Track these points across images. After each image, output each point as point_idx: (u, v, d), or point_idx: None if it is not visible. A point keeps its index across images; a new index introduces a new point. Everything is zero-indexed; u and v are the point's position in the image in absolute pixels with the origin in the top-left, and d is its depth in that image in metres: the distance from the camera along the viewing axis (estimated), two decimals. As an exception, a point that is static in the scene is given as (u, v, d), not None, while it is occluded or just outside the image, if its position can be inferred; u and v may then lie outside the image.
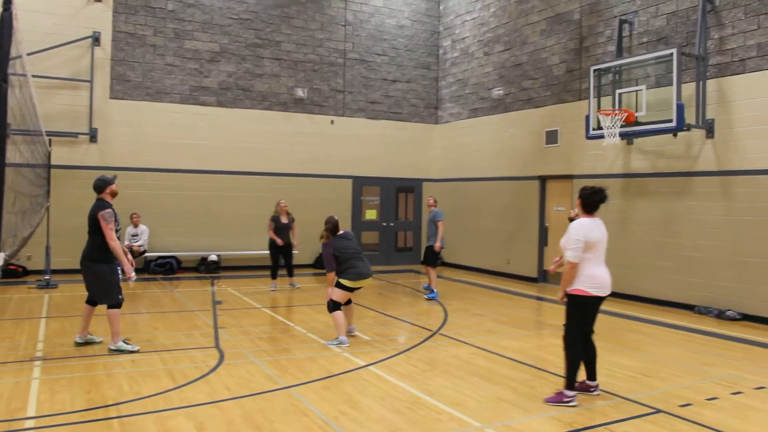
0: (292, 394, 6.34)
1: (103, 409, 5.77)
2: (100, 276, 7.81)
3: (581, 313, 6.17)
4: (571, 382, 6.12)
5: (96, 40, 15.42)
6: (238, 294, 12.90)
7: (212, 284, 14.27)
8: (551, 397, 6.20)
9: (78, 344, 8.08)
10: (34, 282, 13.47)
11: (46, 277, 13.15)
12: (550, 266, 9.42)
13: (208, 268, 16.22)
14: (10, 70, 6.49)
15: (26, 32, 14.48)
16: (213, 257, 16.40)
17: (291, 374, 7.06)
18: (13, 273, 14.16)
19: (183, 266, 16.18)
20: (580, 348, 6.18)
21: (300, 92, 17.53)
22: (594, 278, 6.10)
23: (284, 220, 13.75)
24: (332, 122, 18.11)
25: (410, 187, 19.46)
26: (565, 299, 6.24)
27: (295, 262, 14.28)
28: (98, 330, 8.70)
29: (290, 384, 6.67)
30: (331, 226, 8.78)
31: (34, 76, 14.54)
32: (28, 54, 14.48)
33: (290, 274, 13.95)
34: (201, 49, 16.61)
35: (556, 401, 6.12)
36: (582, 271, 6.11)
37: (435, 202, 13.42)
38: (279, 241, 13.53)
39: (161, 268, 15.68)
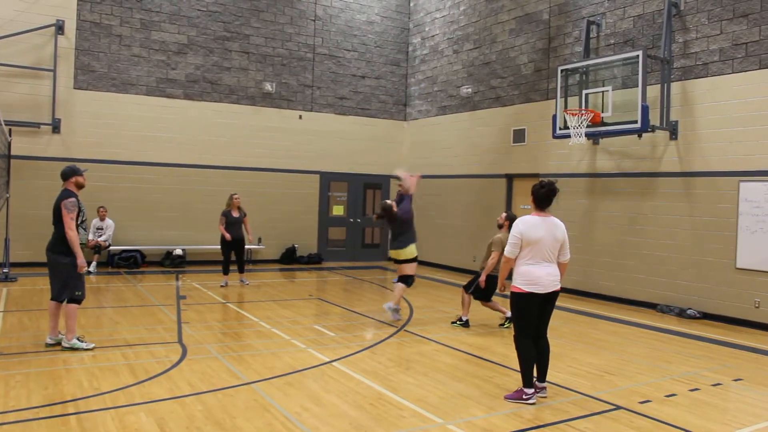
0: (255, 389, 6.29)
1: (61, 405, 5.66)
2: (62, 268, 7.61)
3: (519, 310, 6.20)
4: (526, 380, 6.16)
5: (60, 28, 15.11)
6: (202, 289, 12.78)
7: (177, 279, 14.11)
8: (511, 394, 6.25)
9: (49, 345, 7.76)
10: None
11: (5, 270, 12.87)
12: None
13: (173, 263, 16.02)
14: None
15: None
16: (178, 251, 16.21)
17: (254, 370, 7.00)
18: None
19: (147, 260, 15.98)
20: (528, 346, 6.19)
21: (268, 86, 17.40)
22: (526, 275, 6.12)
23: (235, 214, 13.45)
24: (300, 117, 18.02)
25: (378, 184, 19.44)
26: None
27: (261, 257, 14.18)
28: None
29: (253, 380, 6.62)
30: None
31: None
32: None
33: (240, 270, 13.66)
34: (168, 41, 16.39)
35: (515, 398, 6.16)
36: (517, 267, 6.17)
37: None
38: (227, 236, 13.21)
39: (125, 262, 15.45)
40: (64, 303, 7.69)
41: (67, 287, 7.63)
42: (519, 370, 6.24)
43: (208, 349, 7.92)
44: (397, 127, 19.57)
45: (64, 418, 5.37)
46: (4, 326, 8.83)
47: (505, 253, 6.23)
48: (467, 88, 16.86)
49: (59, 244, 7.54)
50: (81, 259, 7.56)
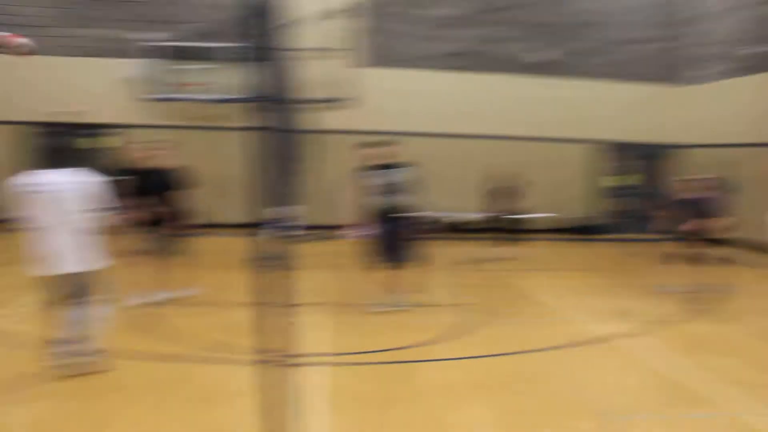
0: (541, 358, 6.81)
1: (370, 354, 6.70)
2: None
3: None
4: None
5: (354, 11, 16.63)
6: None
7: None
8: None
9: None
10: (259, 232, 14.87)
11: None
12: None
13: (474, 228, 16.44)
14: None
15: (299, 6, 16.07)
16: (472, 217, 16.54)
17: (544, 338, 7.51)
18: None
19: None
20: None
21: (545, 55, 17.53)
22: None
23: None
24: (576, 85, 17.85)
25: (656, 154, 18.61)
26: None
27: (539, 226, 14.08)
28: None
29: (541, 347, 7.14)
30: None
31: (302, 48, 16.11)
32: (300, 26, 16.09)
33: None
34: (453, 15, 17.21)
35: None
36: None
37: None
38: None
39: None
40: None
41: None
42: None
43: (504, 312, 8.60)
44: (673, 93, 18.47)
45: (389, 365, 6.39)
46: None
47: None
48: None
49: None
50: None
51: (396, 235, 8.29)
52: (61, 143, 5.85)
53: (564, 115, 17.85)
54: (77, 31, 16.13)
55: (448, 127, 17.28)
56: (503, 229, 13.29)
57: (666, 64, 18.40)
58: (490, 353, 6.84)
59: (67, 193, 5.43)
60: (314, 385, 5.58)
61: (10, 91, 15.79)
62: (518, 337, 7.52)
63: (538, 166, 17.30)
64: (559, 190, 17.64)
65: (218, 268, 10.55)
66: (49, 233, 5.38)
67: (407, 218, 8.40)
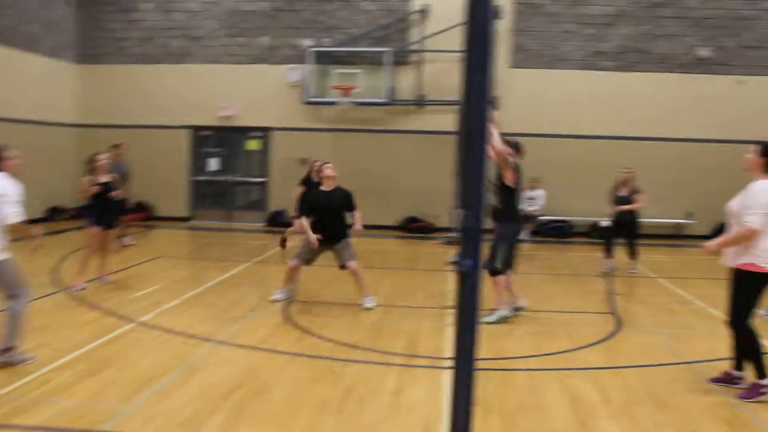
0: (693, 369, 6.08)
1: (509, 360, 6.26)
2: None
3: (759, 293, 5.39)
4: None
5: (498, 12, 16.21)
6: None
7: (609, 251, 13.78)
8: (747, 393, 5.37)
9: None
10: (442, 237, 14.88)
11: (452, 235, 14.46)
12: None
13: (600, 234, 16.02)
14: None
15: (442, 10, 15.95)
16: (605, 223, 16.13)
17: (692, 349, 6.75)
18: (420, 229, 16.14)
19: (575, 230, 16.34)
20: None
21: (704, 51, 16.14)
22: None
23: (623, 192, 11.79)
24: (741, 83, 16.26)
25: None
26: None
27: (691, 232, 13.14)
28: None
29: (691, 359, 6.39)
30: None
31: (444, 51, 15.97)
32: (440, 32, 15.99)
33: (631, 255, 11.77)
34: (597, 14, 16.35)
35: (755, 396, 5.32)
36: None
37: None
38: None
39: (554, 231, 16.10)
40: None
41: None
42: (753, 362, 5.32)
43: (642, 323, 7.88)
44: None
45: (512, 372, 5.93)
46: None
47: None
48: None
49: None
50: None
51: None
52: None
53: (729, 114, 16.28)
54: (240, 40, 17.15)
55: (594, 129, 16.38)
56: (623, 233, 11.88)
57: None
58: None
59: None
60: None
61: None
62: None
63: (700, 170, 16.01)
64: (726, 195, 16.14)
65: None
66: None
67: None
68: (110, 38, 17.48)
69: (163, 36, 17.28)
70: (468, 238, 2.54)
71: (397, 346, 6.64)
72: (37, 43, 16.10)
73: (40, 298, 7.66)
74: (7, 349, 5.61)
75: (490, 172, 7.92)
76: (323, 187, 8.39)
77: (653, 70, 16.36)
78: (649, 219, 15.76)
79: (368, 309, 8.07)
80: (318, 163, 9.04)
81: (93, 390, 5.17)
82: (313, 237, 8.06)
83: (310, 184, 10.58)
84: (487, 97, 2.54)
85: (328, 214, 8.19)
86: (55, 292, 8.44)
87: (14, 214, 5.50)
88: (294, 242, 11.31)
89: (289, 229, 11.95)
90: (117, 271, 9.83)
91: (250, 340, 6.71)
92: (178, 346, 6.42)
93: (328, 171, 8.38)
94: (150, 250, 12.43)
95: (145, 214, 16.81)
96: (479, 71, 2.35)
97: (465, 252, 2.57)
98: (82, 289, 8.57)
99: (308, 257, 8.30)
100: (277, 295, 8.39)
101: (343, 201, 8.27)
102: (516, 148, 7.97)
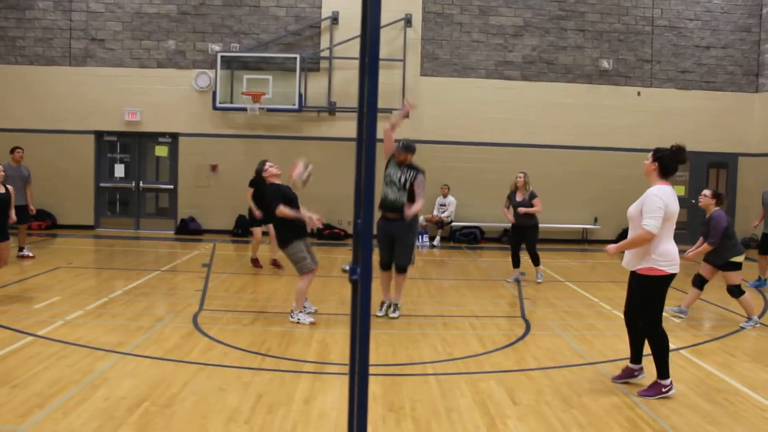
0: (599, 370, 6.28)
1: (420, 365, 6.28)
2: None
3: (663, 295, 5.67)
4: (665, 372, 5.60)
5: (408, 21, 16.41)
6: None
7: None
8: (647, 390, 5.62)
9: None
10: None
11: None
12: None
13: (509, 240, 16.45)
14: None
15: (351, 19, 15.98)
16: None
17: (597, 350, 6.98)
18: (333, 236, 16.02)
19: (486, 236, 16.68)
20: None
21: (605, 63, 16.86)
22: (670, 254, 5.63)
23: (519, 197, 11.45)
24: (639, 94, 17.09)
25: (723, 162, 17.65)
26: None
27: (596, 237, 13.75)
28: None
29: (597, 360, 6.60)
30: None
31: (354, 58, 15.97)
32: (349, 40, 16.01)
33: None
34: (505, 24, 16.79)
35: (654, 394, 5.57)
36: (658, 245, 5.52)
37: None
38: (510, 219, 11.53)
39: (465, 238, 16.37)
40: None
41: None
42: (658, 362, 5.57)
43: (550, 326, 8.08)
44: (747, 100, 17.47)
45: (424, 377, 5.95)
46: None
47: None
48: None
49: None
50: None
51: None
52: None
53: (629, 124, 17.02)
54: (146, 43, 16.57)
55: (502, 137, 16.77)
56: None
57: (742, 71, 17.41)
58: (537, 366, 6.31)
59: None
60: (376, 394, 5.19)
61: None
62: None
63: (604, 177, 16.64)
64: (627, 201, 16.84)
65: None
66: None
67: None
68: (1, 37, 16.59)
69: (63, 37, 16.54)
70: (359, 245, 2.48)
71: (308, 354, 6.56)
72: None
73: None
74: None
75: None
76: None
77: (559, 80, 16.95)
78: (556, 224, 16.39)
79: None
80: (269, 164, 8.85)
81: (-16, 410, 4.85)
82: (313, 216, 7.95)
83: (259, 183, 10.28)
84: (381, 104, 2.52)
85: (297, 206, 8.04)
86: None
87: None
88: (274, 253, 11.09)
89: (253, 241, 11.46)
90: (15, 282, 9.31)
91: (158, 350, 6.48)
92: (80, 359, 6.10)
93: (273, 169, 8.34)
94: (52, 259, 11.82)
95: (47, 222, 16.06)
96: (372, 76, 2.32)
97: (357, 259, 2.51)
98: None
99: (311, 256, 8.03)
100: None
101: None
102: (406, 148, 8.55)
